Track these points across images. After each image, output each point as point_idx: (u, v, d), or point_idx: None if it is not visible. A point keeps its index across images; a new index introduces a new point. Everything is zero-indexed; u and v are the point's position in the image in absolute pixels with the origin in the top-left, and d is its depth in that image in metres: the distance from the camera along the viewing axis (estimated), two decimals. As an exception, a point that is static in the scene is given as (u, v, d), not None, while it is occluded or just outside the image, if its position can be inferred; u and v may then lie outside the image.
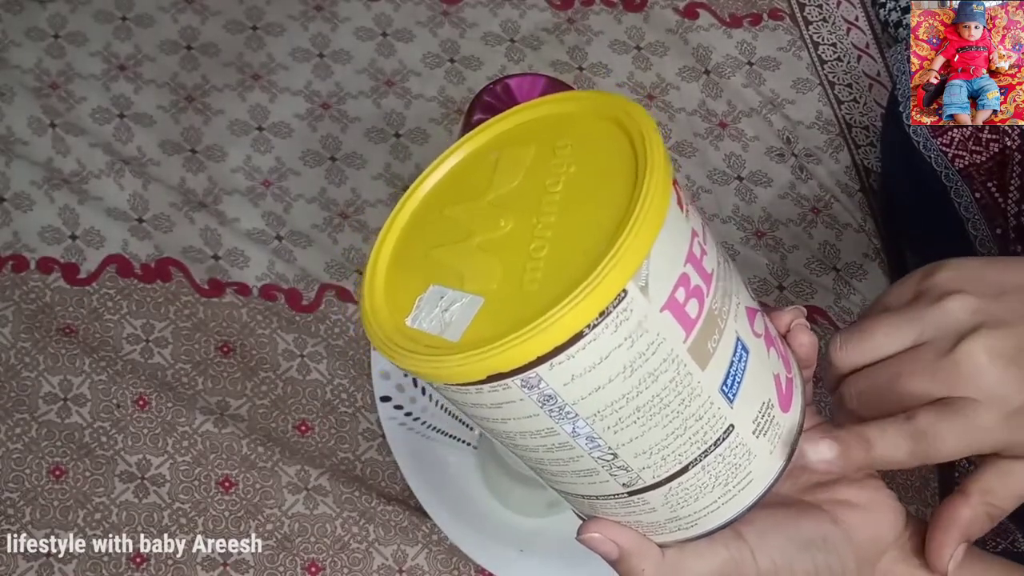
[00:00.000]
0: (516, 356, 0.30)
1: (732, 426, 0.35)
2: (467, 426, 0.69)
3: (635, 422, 0.33)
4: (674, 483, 0.36)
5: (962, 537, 0.40)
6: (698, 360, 0.33)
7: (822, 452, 0.38)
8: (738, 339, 0.35)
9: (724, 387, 0.35)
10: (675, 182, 0.33)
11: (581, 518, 0.40)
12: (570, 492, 0.38)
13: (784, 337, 0.40)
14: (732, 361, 0.35)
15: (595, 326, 0.30)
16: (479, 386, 0.32)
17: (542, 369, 0.31)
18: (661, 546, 0.39)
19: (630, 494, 0.36)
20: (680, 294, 0.32)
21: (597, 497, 0.37)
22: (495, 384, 0.32)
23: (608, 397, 0.32)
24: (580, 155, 0.35)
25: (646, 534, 0.38)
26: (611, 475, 0.35)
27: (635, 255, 0.30)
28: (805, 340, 0.40)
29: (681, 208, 0.33)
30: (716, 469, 0.36)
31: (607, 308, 0.30)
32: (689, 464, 0.35)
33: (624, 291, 0.30)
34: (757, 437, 0.37)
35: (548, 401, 0.32)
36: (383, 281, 0.36)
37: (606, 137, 0.35)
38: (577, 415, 0.33)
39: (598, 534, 0.38)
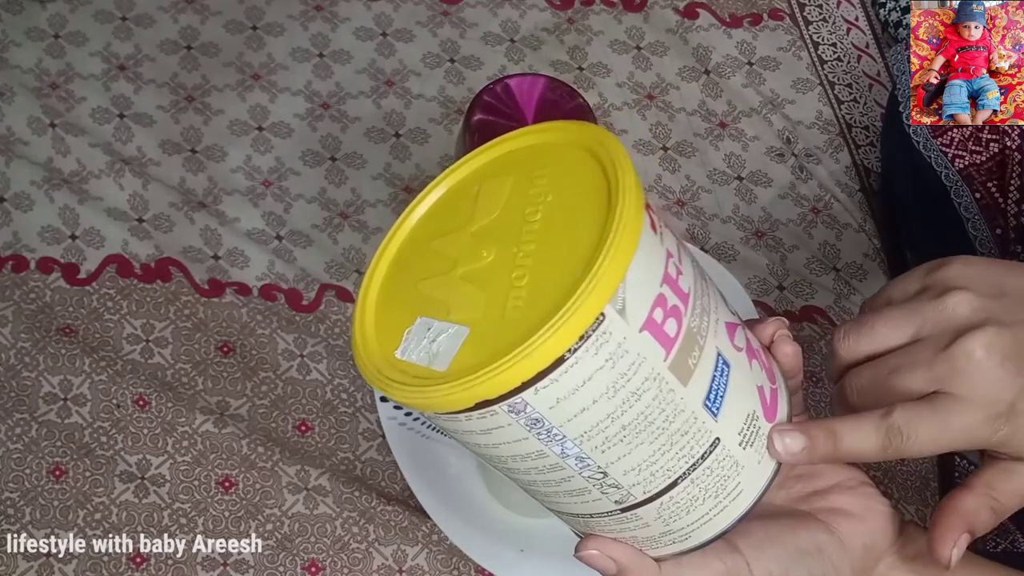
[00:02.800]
0: (501, 383, 0.31)
1: (718, 439, 0.36)
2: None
3: (622, 440, 0.34)
4: (665, 498, 0.36)
5: (965, 527, 0.40)
6: (680, 377, 0.34)
7: (788, 444, 0.38)
8: (719, 354, 0.36)
9: (707, 401, 0.35)
10: (648, 206, 0.34)
11: (578, 535, 0.40)
12: (565, 511, 0.38)
13: (768, 348, 0.41)
14: (714, 376, 0.35)
15: (576, 350, 0.31)
16: (468, 413, 0.33)
17: (527, 394, 0.32)
18: (657, 560, 0.39)
19: (623, 510, 0.36)
20: (658, 314, 0.33)
21: (591, 515, 0.37)
22: (483, 411, 0.32)
23: (594, 418, 0.33)
24: (556, 184, 0.36)
25: (642, 549, 0.39)
26: (603, 493, 0.36)
27: (611, 280, 0.31)
28: (789, 350, 0.41)
29: (655, 231, 0.34)
30: (705, 482, 0.36)
31: (586, 332, 0.31)
32: (678, 478, 0.36)
33: (602, 315, 0.31)
34: (744, 448, 0.37)
35: (535, 425, 0.33)
36: (373, 315, 0.37)
37: (581, 166, 0.36)
38: (565, 437, 0.33)
39: (596, 551, 0.39)
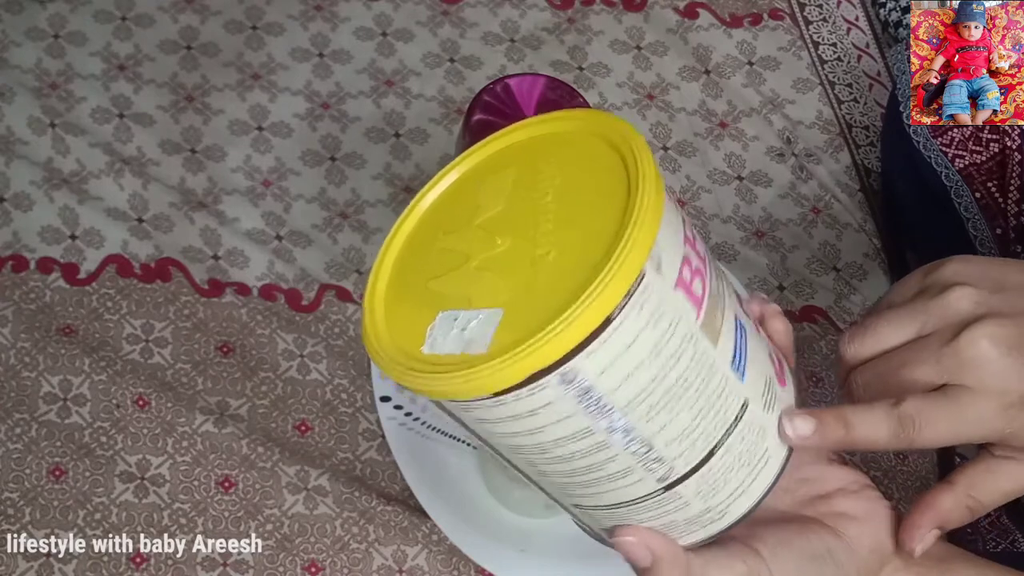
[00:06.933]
0: (554, 349, 0.31)
1: (747, 401, 0.37)
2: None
3: (665, 406, 0.34)
4: (704, 469, 0.37)
5: (937, 522, 0.41)
6: (710, 337, 0.35)
7: (799, 427, 0.39)
8: (736, 317, 0.37)
9: (734, 363, 0.36)
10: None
11: (598, 538, 0.40)
12: (599, 504, 0.38)
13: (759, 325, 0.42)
14: (736, 338, 0.36)
15: (623, 307, 0.32)
16: (517, 391, 0.32)
17: (578, 360, 0.32)
18: (689, 548, 0.39)
19: (665, 489, 0.37)
20: (686, 273, 0.34)
21: (631, 501, 0.37)
22: (533, 386, 0.32)
23: (639, 383, 0.33)
24: (562, 166, 0.37)
25: (679, 536, 0.39)
26: (647, 470, 0.36)
27: (647, 236, 0.32)
28: (780, 327, 0.42)
29: (671, 197, 0.35)
30: (739, 448, 0.37)
31: (630, 289, 0.32)
32: (715, 446, 0.36)
33: (643, 272, 0.32)
34: (767, 412, 0.38)
35: (585, 396, 0.33)
36: (383, 319, 0.37)
37: (587, 148, 0.36)
38: (613, 407, 0.33)
39: (634, 538, 0.38)
